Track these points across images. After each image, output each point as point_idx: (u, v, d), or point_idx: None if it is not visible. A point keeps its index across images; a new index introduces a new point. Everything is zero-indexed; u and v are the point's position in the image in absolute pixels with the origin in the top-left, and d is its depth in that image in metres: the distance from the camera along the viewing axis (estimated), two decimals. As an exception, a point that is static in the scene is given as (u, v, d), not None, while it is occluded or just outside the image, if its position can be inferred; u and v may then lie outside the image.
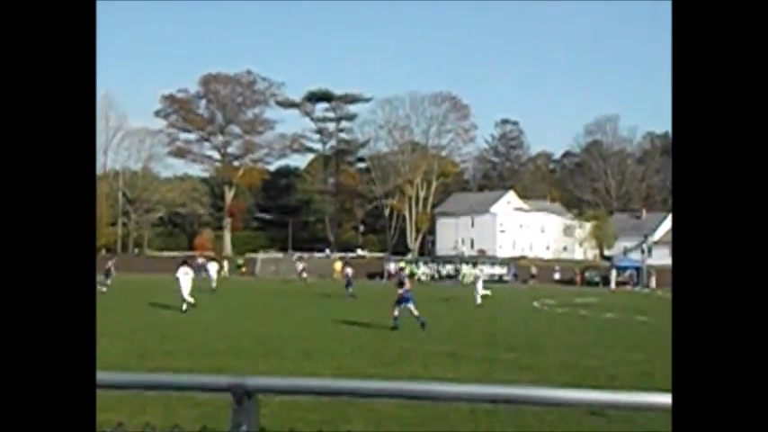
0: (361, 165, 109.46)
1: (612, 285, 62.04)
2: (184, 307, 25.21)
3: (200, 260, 55.85)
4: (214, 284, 40.15)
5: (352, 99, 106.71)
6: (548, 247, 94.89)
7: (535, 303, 35.67)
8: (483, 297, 32.95)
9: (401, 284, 21.44)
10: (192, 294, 26.26)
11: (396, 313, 20.57)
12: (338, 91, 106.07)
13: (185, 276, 26.50)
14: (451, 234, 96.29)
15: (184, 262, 28.84)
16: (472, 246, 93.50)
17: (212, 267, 42.79)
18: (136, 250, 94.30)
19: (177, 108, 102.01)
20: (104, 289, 37.50)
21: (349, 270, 41.63)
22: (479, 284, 34.32)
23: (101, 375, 2.03)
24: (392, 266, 75.21)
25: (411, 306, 20.63)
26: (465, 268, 74.45)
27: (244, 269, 74.09)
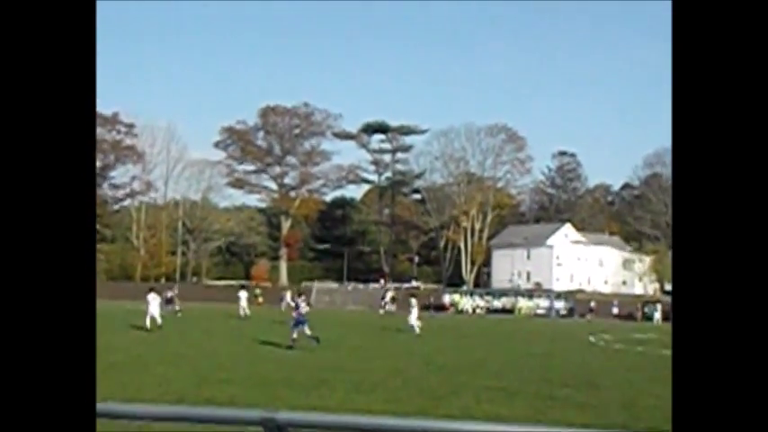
0: (417, 196, 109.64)
1: (656, 321, 60.24)
2: (149, 326, 29.09)
3: (169, 293, 50.46)
4: (243, 312, 42.32)
5: (408, 131, 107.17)
6: (606, 281, 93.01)
7: (591, 338, 34.87)
8: (418, 327, 32.17)
9: (297, 308, 24.05)
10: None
11: (294, 335, 23.09)
12: (394, 123, 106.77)
13: (153, 301, 30.52)
14: (507, 266, 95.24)
15: (152, 289, 32.39)
16: (528, 278, 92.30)
17: (243, 296, 44.44)
18: (194, 279, 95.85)
19: (236, 139, 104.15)
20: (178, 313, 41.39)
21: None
22: (414, 312, 33.13)
23: (136, 408, 2.04)
24: (446, 298, 75.12)
25: (305, 328, 23.26)
26: (521, 301, 73.47)
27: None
